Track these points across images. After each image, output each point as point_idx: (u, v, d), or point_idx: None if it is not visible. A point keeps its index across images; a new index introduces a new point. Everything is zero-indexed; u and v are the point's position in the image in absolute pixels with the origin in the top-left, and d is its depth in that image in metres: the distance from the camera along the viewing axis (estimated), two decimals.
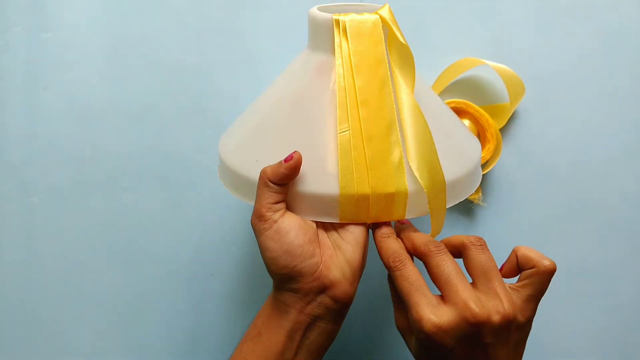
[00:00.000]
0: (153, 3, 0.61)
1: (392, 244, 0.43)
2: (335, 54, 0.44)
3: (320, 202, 0.44)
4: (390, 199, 0.43)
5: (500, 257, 0.61)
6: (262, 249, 0.44)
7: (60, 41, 0.61)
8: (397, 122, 0.43)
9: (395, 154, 0.43)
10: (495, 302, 0.39)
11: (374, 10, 0.45)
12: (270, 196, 0.43)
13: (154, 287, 0.62)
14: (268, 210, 0.43)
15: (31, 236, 0.62)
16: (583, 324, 0.62)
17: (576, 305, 0.62)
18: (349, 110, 0.43)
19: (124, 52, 0.61)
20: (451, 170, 0.45)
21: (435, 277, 0.41)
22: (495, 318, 0.39)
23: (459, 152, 0.48)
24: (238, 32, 0.61)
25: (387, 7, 0.45)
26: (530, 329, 0.42)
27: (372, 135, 0.43)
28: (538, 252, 0.43)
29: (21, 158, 0.62)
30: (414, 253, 0.43)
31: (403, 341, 0.43)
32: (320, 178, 0.43)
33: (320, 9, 0.46)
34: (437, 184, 0.44)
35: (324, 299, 0.44)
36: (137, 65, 0.61)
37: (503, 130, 0.60)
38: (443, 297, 0.40)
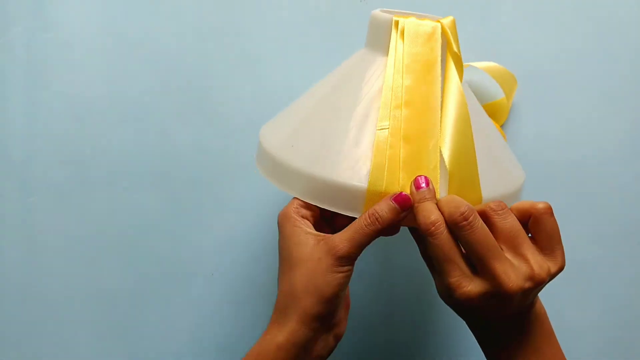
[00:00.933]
0: (153, 3, 0.61)
1: (431, 209, 0.41)
2: (389, 53, 0.44)
3: (346, 194, 0.43)
4: (418, 203, 0.42)
5: None
6: (346, 282, 0.42)
7: (60, 41, 0.61)
8: (438, 127, 0.43)
9: (431, 160, 0.42)
10: (526, 268, 0.40)
11: (436, 19, 0.45)
12: (371, 240, 0.42)
13: (154, 287, 0.62)
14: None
15: (31, 236, 0.62)
16: (583, 323, 0.62)
17: (575, 305, 0.62)
18: (391, 109, 0.43)
19: (124, 52, 0.61)
20: (490, 186, 0.44)
21: (468, 248, 0.40)
22: (527, 285, 0.40)
23: (501, 172, 0.47)
24: (238, 32, 0.61)
25: (451, 18, 0.46)
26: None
27: (411, 137, 0.42)
28: (529, 201, 0.44)
29: (21, 158, 0.62)
30: (448, 220, 0.41)
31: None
32: (351, 171, 0.43)
33: (383, 12, 0.47)
34: (469, 195, 0.42)
35: (329, 339, 0.43)
36: (137, 65, 0.61)
37: (502, 128, 0.60)
38: (477, 267, 0.40)
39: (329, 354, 0.44)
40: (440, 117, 0.43)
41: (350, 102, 0.45)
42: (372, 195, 0.42)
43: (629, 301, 0.61)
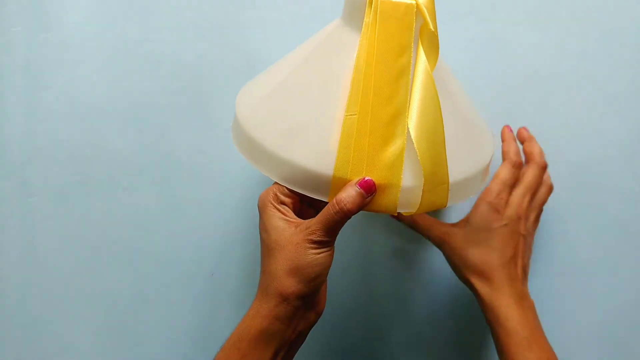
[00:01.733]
0: (153, 3, 0.61)
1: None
2: (362, 34, 0.43)
3: (313, 178, 0.44)
4: (382, 190, 0.43)
5: None
6: (328, 262, 0.44)
7: (60, 41, 0.61)
8: (407, 113, 0.43)
9: (397, 145, 0.43)
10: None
11: None
12: (341, 226, 0.43)
13: (154, 287, 0.62)
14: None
15: (31, 236, 0.62)
16: (583, 323, 0.62)
17: (576, 305, 0.62)
18: (360, 95, 0.43)
19: (124, 52, 0.61)
20: (459, 167, 0.45)
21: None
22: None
23: (472, 146, 0.47)
24: (238, 32, 0.61)
25: None
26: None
27: (378, 123, 0.42)
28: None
29: (21, 158, 0.62)
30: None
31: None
32: (319, 155, 0.43)
33: None
34: (437, 178, 0.43)
35: (309, 315, 0.45)
36: (137, 65, 0.61)
37: (500, 130, 0.60)
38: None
39: (309, 329, 0.46)
40: (409, 103, 0.43)
41: (322, 83, 0.45)
42: (337, 181, 0.43)
43: (629, 301, 0.61)
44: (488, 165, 0.50)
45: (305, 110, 0.45)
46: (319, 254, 0.43)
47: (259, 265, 0.62)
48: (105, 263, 0.62)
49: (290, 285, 0.43)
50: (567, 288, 0.61)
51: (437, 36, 0.44)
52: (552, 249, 0.61)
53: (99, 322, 0.63)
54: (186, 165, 0.62)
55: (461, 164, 0.46)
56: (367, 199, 0.43)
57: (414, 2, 0.43)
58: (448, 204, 0.45)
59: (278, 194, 0.45)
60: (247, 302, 0.62)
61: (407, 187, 0.43)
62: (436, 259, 0.61)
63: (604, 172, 0.61)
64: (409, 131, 0.42)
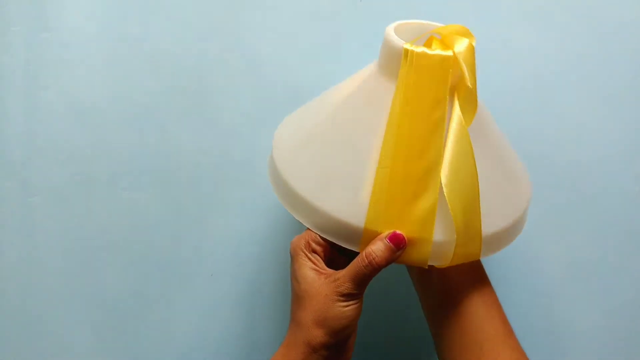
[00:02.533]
0: (153, 3, 0.61)
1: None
2: (397, 86, 0.42)
3: (345, 229, 0.44)
4: (413, 243, 0.43)
5: (500, 257, 0.61)
6: (356, 315, 0.44)
7: (60, 41, 0.61)
8: (439, 168, 0.42)
9: (429, 200, 0.42)
10: None
11: (459, 33, 0.43)
12: (370, 278, 0.43)
13: (154, 287, 0.62)
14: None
15: (31, 236, 0.62)
16: (583, 323, 0.62)
17: (576, 305, 0.62)
18: (393, 147, 0.42)
19: (124, 52, 0.61)
20: (494, 219, 0.45)
21: None
22: None
23: (508, 197, 0.47)
24: (238, 32, 0.61)
25: (467, 42, 0.42)
26: None
27: (410, 177, 0.42)
28: None
29: (21, 158, 0.62)
30: None
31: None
32: (351, 206, 0.43)
33: (398, 28, 0.45)
34: (470, 232, 0.43)
35: None
36: (137, 65, 0.61)
37: (502, 129, 0.60)
38: None
39: None
40: (442, 157, 0.42)
41: (356, 132, 0.45)
42: (368, 233, 0.43)
43: (629, 301, 0.61)
44: (523, 215, 0.49)
45: (339, 160, 0.45)
46: (346, 306, 0.43)
47: (259, 265, 0.62)
48: (105, 263, 0.62)
49: (317, 335, 0.43)
50: (567, 288, 0.61)
51: (475, 92, 0.43)
52: (552, 249, 0.61)
53: (99, 322, 0.63)
54: (186, 165, 0.62)
55: (496, 216, 0.45)
56: (397, 253, 0.43)
57: (451, 53, 0.41)
58: (481, 257, 0.45)
59: (310, 242, 0.45)
60: (247, 302, 0.62)
61: (438, 242, 0.43)
62: None
63: (604, 172, 0.61)
64: (441, 186, 0.42)
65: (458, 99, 0.43)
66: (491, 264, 0.61)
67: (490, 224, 0.44)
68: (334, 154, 0.45)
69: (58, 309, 0.63)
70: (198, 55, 0.61)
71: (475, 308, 0.46)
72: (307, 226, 0.46)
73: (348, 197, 0.43)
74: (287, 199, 0.47)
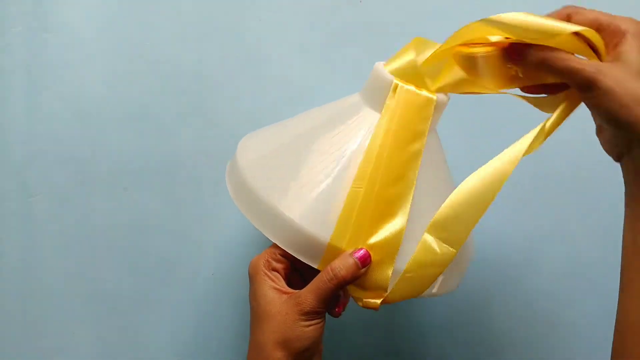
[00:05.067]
0: (153, 4, 0.61)
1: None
2: (382, 113, 0.45)
3: (307, 241, 0.43)
4: (375, 265, 0.43)
5: (500, 258, 0.61)
6: (318, 335, 0.43)
7: (60, 41, 0.61)
8: (411, 196, 0.44)
9: (397, 224, 0.43)
10: None
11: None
12: (334, 294, 0.42)
13: (154, 287, 0.62)
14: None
15: (31, 236, 0.62)
16: (583, 323, 0.62)
17: (576, 306, 0.62)
18: (370, 170, 0.43)
19: (124, 52, 0.61)
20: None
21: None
22: None
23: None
24: (238, 33, 0.61)
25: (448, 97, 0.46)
26: None
27: (383, 200, 0.43)
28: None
29: (21, 158, 0.62)
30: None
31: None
32: (318, 218, 0.43)
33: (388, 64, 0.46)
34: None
35: None
36: (137, 66, 0.61)
37: (501, 130, 0.60)
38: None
39: None
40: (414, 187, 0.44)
41: (335, 150, 0.45)
42: (331, 249, 0.43)
43: None
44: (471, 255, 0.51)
45: (313, 171, 0.45)
46: (309, 326, 0.42)
47: None
48: (106, 263, 0.62)
49: (278, 358, 0.42)
50: (567, 288, 0.61)
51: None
52: (552, 249, 0.61)
53: (99, 322, 0.63)
54: (186, 166, 0.62)
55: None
56: (362, 271, 0.42)
57: (434, 96, 0.44)
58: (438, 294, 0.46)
59: (270, 260, 0.45)
60: (247, 302, 0.62)
61: (399, 269, 0.43)
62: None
63: (604, 172, 0.61)
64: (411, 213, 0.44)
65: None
66: (491, 264, 0.61)
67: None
68: (308, 164, 0.45)
69: (58, 309, 0.63)
70: (198, 55, 0.61)
71: None
72: (269, 237, 0.44)
73: (316, 210, 0.43)
74: (249, 208, 0.46)
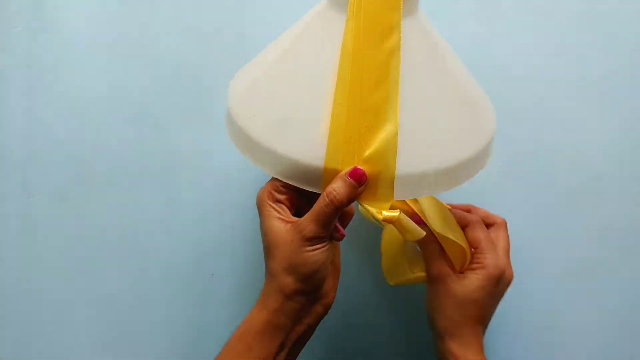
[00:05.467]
0: (153, 3, 0.61)
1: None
2: (347, 17, 0.41)
3: (305, 170, 0.43)
4: (375, 178, 0.42)
5: None
6: (324, 259, 0.44)
7: (60, 41, 0.61)
8: (398, 96, 0.41)
9: (388, 131, 0.41)
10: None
11: None
12: (334, 218, 0.43)
13: (154, 287, 0.62)
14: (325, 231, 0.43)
15: (31, 236, 0.62)
16: (583, 324, 0.62)
17: (575, 305, 0.62)
18: (348, 82, 0.41)
19: (124, 52, 0.61)
20: (461, 147, 0.43)
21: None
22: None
23: (473, 125, 0.45)
24: (238, 32, 0.61)
25: None
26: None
27: (368, 110, 0.41)
28: (491, 214, 0.54)
29: (21, 158, 0.62)
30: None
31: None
32: (309, 146, 0.42)
33: None
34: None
35: (317, 308, 0.45)
36: (137, 65, 0.61)
37: (501, 130, 0.60)
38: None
39: (318, 322, 0.46)
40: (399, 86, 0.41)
41: (309, 70, 0.43)
42: (329, 172, 0.42)
43: (629, 301, 0.61)
44: (489, 144, 0.47)
45: (294, 101, 0.43)
46: (313, 250, 0.43)
47: (259, 265, 0.62)
48: (106, 263, 0.62)
49: (289, 283, 0.43)
50: (567, 288, 0.61)
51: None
52: (552, 249, 0.61)
53: (99, 322, 0.63)
54: (186, 165, 0.62)
55: (462, 144, 0.44)
56: (359, 189, 0.42)
57: None
58: (449, 189, 0.44)
59: (273, 192, 0.45)
60: (247, 302, 0.62)
61: (402, 175, 0.42)
62: None
63: (604, 172, 0.61)
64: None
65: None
66: None
67: (458, 152, 0.43)
68: (287, 96, 0.43)
69: (58, 309, 0.63)
70: (198, 55, 0.61)
71: None
72: (267, 172, 0.44)
73: (306, 138, 0.42)
74: (245, 147, 0.45)
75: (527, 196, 0.61)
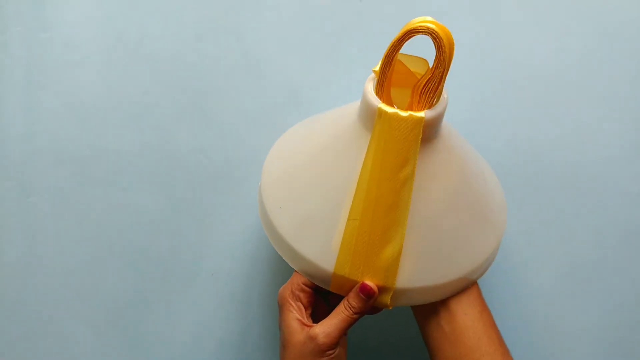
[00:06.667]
0: (153, 3, 0.61)
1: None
2: (370, 142, 0.44)
3: (317, 271, 0.47)
4: (379, 290, 0.46)
5: (500, 258, 0.61)
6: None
7: (60, 41, 0.61)
8: (406, 220, 0.45)
9: (393, 251, 0.45)
10: None
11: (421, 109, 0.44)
12: (348, 329, 0.47)
13: (154, 287, 0.62)
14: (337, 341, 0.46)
15: (31, 236, 0.62)
16: (583, 324, 0.62)
17: (576, 306, 0.62)
18: (363, 202, 0.45)
19: (124, 51, 0.61)
20: (452, 271, 0.48)
21: None
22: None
23: (473, 248, 0.49)
24: (238, 32, 0.61)
25: (442, 109, 0.45)
26: None
27: (378, 229, 0.45)
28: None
29: (21, 158, 0.62)
30: None
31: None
32: (323, 251, 0.47)
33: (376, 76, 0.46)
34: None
35: None
36: (137, 65, 0.61)
37: (501, 130, 0.60)
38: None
39: None
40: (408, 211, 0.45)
41: (333, 180, 0.47)
42: (337, 278, 0.47)
43: (629, 301, 0.61)
44: (489, 261, 0.51)
45: (315, 207, 0.47)
46: (324, 356, 0.46)
47: (259, 265, 0.62)
48: (105, 263, 0.62)
49: None
50: (567, 288, 0.61)
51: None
52: (552, 249, 0.61)
53: (99, 322, 0.63)
54: (186, 165, 0.62)
55: (461, 265, 0.48)
56: (371, 301, 0.46)
57: (423, 115, 0.43)
58: (442, 298, 0.49)
59: (294, 290, 0.48)
60: (247, 302, 0.62)
61: (400, 289, 0.46)
62: None
63: (604, 172, 0.61)
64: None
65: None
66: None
67: (446, 274, 0.47)
68: (311, 198, 0.48)
69: (58, 309, 0.63)
70: (198, 55, 0.61)
71: (473, 327, 0.48)
72: (291, 265, 0.49)
73: (321, 243, 0.47)
74: (272, 236, 0.50)
75: (527, 196, 0.61)
